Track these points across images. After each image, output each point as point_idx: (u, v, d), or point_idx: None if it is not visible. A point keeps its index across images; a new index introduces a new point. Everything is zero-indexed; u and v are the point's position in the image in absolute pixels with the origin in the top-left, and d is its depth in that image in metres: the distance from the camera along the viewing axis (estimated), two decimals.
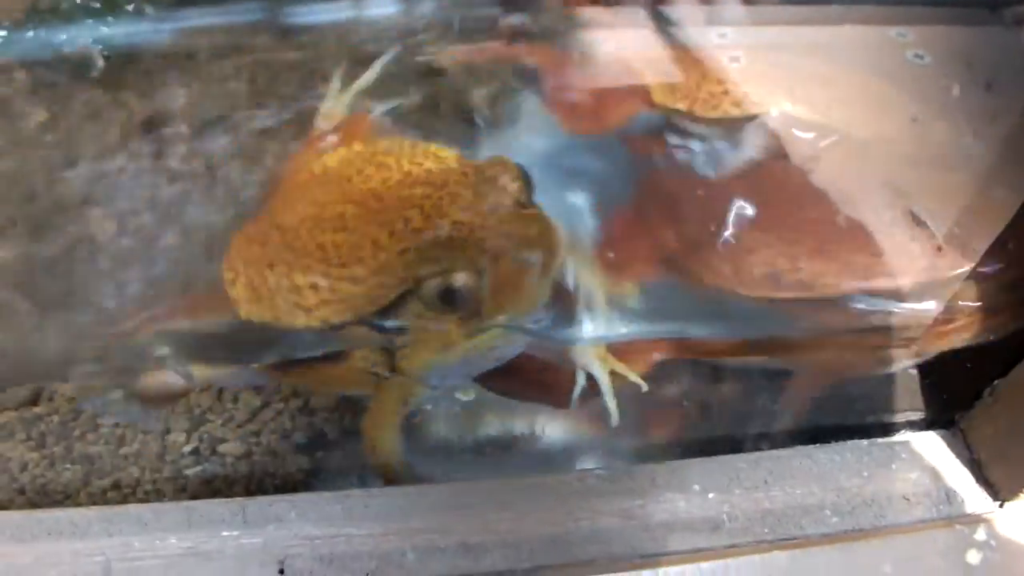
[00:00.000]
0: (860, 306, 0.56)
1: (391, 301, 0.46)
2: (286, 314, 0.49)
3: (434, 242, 0.45)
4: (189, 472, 0.69)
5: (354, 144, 0.58)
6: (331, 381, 0.58)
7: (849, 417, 0.62)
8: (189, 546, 0.53)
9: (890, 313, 0.55)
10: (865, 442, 0.57)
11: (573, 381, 0.57)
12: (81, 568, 0.53)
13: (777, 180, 0.57)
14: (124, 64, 0.77)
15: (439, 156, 0.51)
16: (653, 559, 0.50)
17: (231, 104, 0.74)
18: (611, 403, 0.57)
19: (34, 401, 0.74)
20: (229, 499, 0.56)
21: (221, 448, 0.71)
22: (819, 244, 0.54)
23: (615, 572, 0.49)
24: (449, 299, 0.45)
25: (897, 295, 0.55)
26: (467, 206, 0.46)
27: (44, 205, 0.71)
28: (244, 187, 0.71)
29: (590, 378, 0.58)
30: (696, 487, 0.54)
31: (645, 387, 0.58)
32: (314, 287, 0.48)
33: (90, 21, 0.72)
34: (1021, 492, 0.53)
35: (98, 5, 0.70)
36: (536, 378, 0.59)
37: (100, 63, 0.74)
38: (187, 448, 0.70)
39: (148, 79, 0.77)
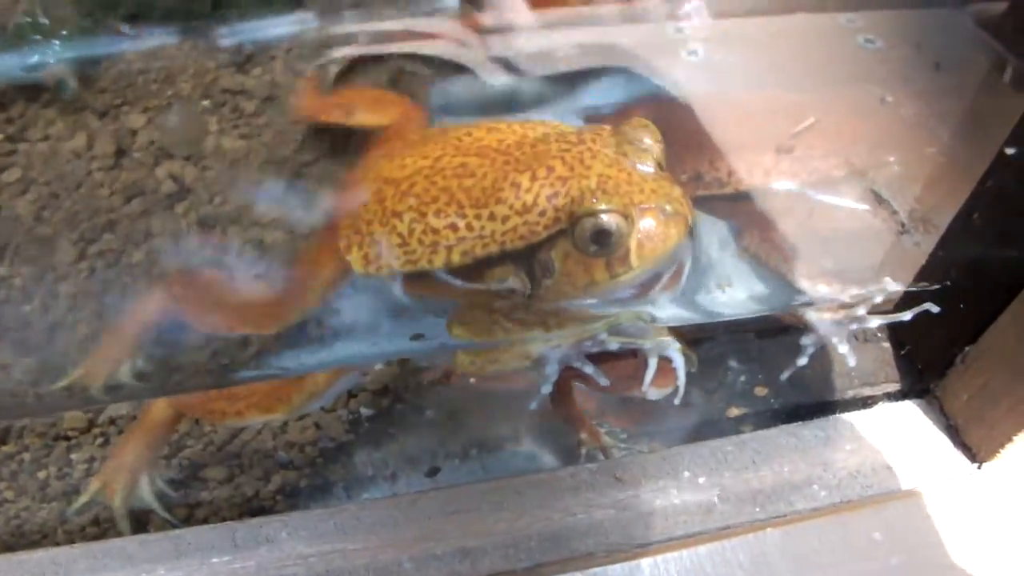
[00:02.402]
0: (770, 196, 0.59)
1: (540, 239, 0.48)
2: (424, 256, 0.50)
3: (586, 188, 0.47)
4: (171, 501, 0.68)
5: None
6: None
7: (829, 394, 0.63)
8: None
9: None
10: (846, 416, 0.58)
11: (641, 365, 0.56)
12: None
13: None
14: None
15: (548, 123, 0.53)
16: (650, 547, 0.50)
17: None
18: (683, 382, 0.56)
19: (2, 439, 0.72)
20: (217, 524, 0.55)
21: (203, 473, 0.69)
22: (732, 151, 0.59)
23: (614, 563, 0.49)
24: (602, 239, 0.47)
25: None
26: (611, 162, 0.48)
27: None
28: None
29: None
30: (687, 473, 0.54)
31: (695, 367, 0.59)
32: (452, 227, 0.49)
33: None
34: (998, 452, 0.54)
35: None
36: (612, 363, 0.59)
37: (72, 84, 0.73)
38: (167, 476, 0.69)
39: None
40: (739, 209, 0.60)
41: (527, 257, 0.49)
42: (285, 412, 0.60)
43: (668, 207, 0.47)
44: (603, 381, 0.57)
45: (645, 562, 0.49)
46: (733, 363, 0.75)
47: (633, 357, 0.57)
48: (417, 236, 0.50)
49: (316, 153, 0.76)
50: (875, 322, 0.60)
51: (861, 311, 0.60)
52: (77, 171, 0.74)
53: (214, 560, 0.53)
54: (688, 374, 0.73)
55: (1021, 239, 0.53)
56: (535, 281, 0.50)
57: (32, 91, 0.72)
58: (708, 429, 0.71)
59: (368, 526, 0.53)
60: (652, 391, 0.57)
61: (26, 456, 0.71)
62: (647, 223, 0.47)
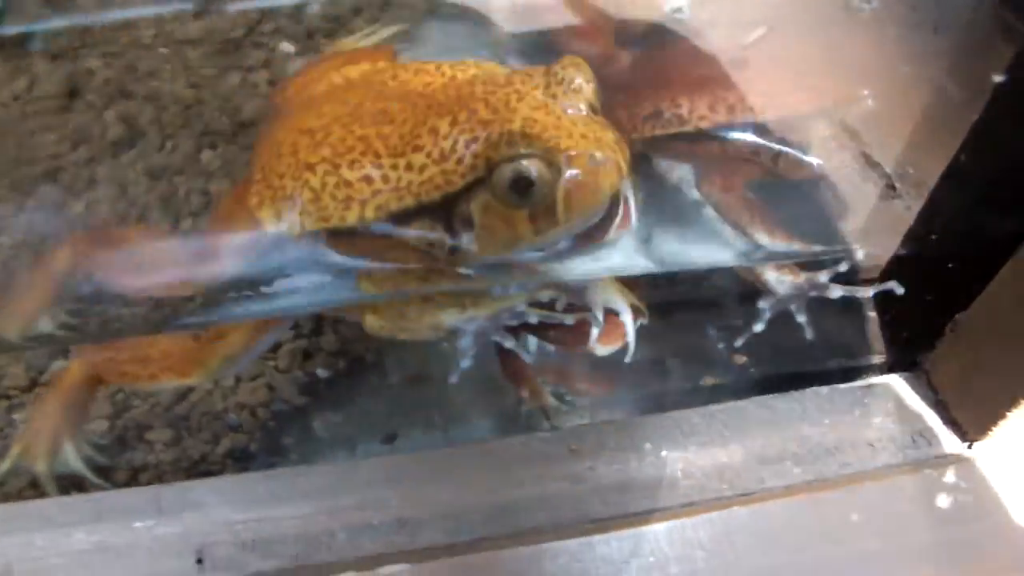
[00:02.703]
0: (734, 138, 0.55)
1: (457, 189, 0.44)
2: (337, 212, 0.46)
3: (506, 132, 0.43)
4: (112, 465, 0.64)
5: (378, 62, 0.55)
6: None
7: (807, 364, 0.59)
8: (98, 540, 0.49)
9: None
10: (825, 389, 0.54)
11: (588, 320, 0.53)
12: None
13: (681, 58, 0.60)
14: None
15: (481, 65, 0.49)
16: (603, 523, 0.46)
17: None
18: (633, 338, 0.53)
19: None
20: (143, 487, 0.52)
21: (148, 435, 0.66)
22: (695, 87, 0.56)
23: (564, 539, 0.45)
24: (523, 189, 0.43)
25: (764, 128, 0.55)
26: (538, 105, 0.44)
27: None
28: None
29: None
30: (648, 445, 0.50)
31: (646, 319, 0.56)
32: (367, 179, 0.45)
33: None
34: (989, 431, 0.50)
35: None
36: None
37: None
38: (110, 438, 0.66)
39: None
40: (700, 151, 0.55)
41: (446, 210, 0.45)
42: (201, 376, 0.57)
43: (599, 154, 0.43)
44: (527, 357, 0.54)
45: (597, 539, 0.45)
46: (711, 330, 0.71)
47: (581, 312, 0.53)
48: (330, 191, 0.46)
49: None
50: (837, 292, 0.56)
51: (823, 278, 0.56)
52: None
53: (136, 524, 0.49)
54: (661, 339, 0.70)
55: (1012, 199, 0.48)
56: (455, 236, 0.46)
57: None
58: (681, 398, 0.67)
59: (303, 492, 0.49)
60: (600, 347, 0.53)
61: None
62: (575, 172, 0.43)
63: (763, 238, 0.54)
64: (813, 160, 0.56)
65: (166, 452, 0.65)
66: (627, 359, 0.54)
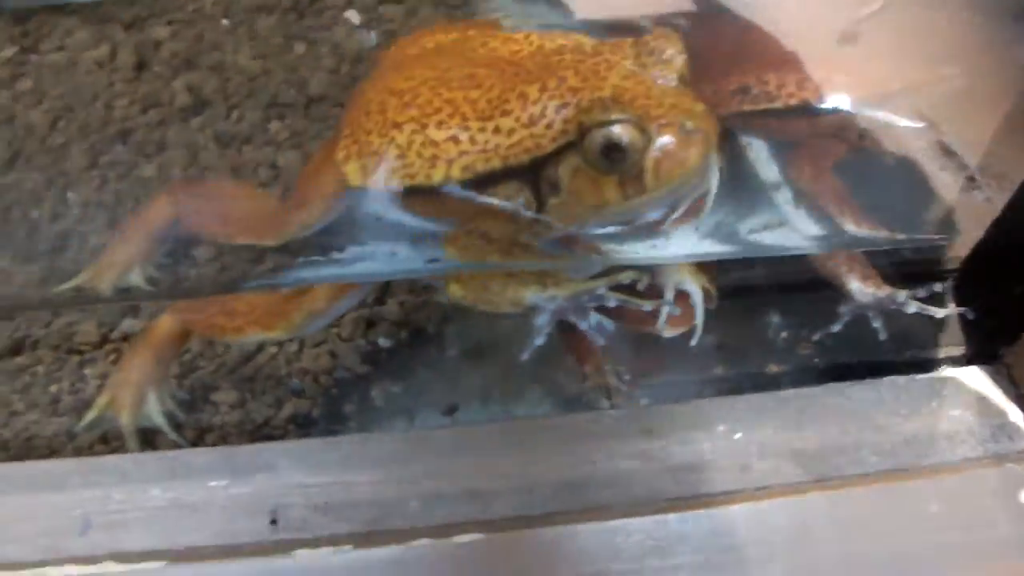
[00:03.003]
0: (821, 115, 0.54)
1: (546, 153, 0.45)
2: (423, 170, 0.47)
3: (598, 98, 0.43)
4: (181, 421, 0.65)
5: (470, 31, 0.55)
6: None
7: (877, 355, 0.58)
8: (173, 497, 0.49)
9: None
10: (902, 379, 0.53)
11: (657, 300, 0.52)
12: (58, 522, 0.49)
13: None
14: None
15: (571, 35, 0.49)
16: (677, 502, 0.46)
17: None
18: (701, 321, 0.53)
19: (16, 351, 0.69)
20: (216, 447, 0.52)
21: (214, 396, 0.66)
22: (782, 63, 0.56)
23: (637, 517, 0.45)
24: (614, 154, 0.43)
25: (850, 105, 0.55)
26: (628, 74, 0.44)
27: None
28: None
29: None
30: (721, 427, 0.50)
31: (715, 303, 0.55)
32: (454, 139, 0.46)
33: None
34: None
35: None
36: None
37: None
38: (178, 396, 0.66)
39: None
40: (786, 128, 0.54)
41: (534, 174, 0.46)
42: (285, 330, 0.57)
43: (689, 123, 0.43)
44: (599, 340, 0.53)
45: (672, 517, 0.45)
46: (775, 318, 0.70)
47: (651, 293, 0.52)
48: (416, 149, 0.47)
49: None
50: (912, 308, 0.55)
51: (902, 297, 0.56)
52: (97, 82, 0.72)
53: (211, 483, 0.50)
54: (725, 323, 0.69)
55: None
56: (541, 201, 0.46)
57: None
58: (744, 385, 0.67)
59: (375, 459, 0.50)
60: (667, 329, 0.53)
61: (39, 369, 0.69)
62: (665, 140, 0.43)
63: (850, 225, 0.53)
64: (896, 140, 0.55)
65: (231, 414, 0.66)
66: (692, 342, 0.53)
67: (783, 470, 0.48)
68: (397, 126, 0.47)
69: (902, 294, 0.56)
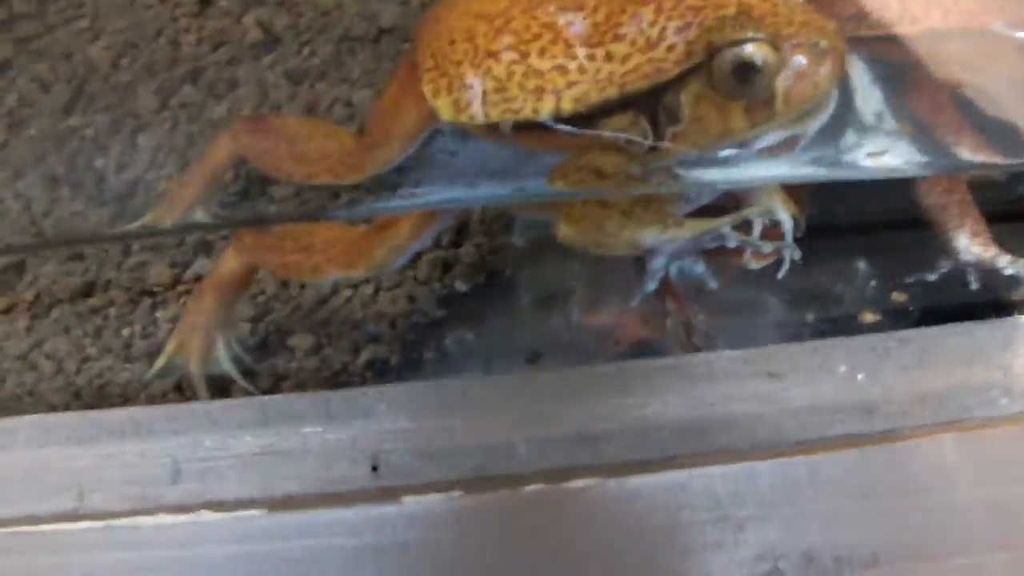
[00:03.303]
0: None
1: (669, 79, 0.41)
2: (529, 103, 0.43)
3: (725, 17, 0.40)
4: (256, 369, 0.63)
5: None
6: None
7: (1009, 292, 0.55)
8: (267, 443, 0.48)
9: None
10: None
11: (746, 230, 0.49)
12: (147, 470, 0.48)
13: None
14: None
15: None
16: (804, 445, 0.44)
17: None
18: (789, 253, 0.49)
19: (88, 292, 0.68)
20: (309, 392, 0.50)
21: (289, 341, 0.64)
22: None
23: (763, 460, 0.43)
24: (746, 76, 0.40)
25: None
26: None
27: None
28: None
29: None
30: (842, 368, 0.47)
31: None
32: (561, 69, 0.43)
33: None
34: None
35: None
36: None
37: None
38: (252, 341, 0.64)
39: None
40: (902, 55, 0.51)
41: (652, 102, 0.42)
42: (367, 268, 0.55)
43: (824, 43, 0.40)
44: (712, 283, 0.52)
45: (799, 460, 0.43)
46: (862, 264, 0.67)
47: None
48: (517, 80, 0.43)
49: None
50: (1009, 271, 0.54)
51: (1004, 262, 0.54)
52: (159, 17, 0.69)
53: (306, 430, 0.48)
54: (815, 267, 0.66)
55: None
56: (659, 130, 0.43)
57: None
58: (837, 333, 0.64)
59: (476, 404, 0.48)
60: (754, 262, 0.51)
61: (111, 312, 0.67)
62: (798, 60, 0.40)
63: (967, 153, 0.50)
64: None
65: (307, 360, 0.64)
66: (780, 275, 0.50)
67: (911, 412, 0.45)
68: (492, 55, 0.44)
69: (1005, 259, 0.54)
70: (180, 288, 0.66)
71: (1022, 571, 0.40)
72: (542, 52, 0.43)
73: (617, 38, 0.42)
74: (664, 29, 0.41)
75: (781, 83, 0.40)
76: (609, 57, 0.42)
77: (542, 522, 0.42)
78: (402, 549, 0.42)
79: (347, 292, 0.66)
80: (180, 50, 0.65)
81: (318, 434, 0.48)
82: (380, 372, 0.64)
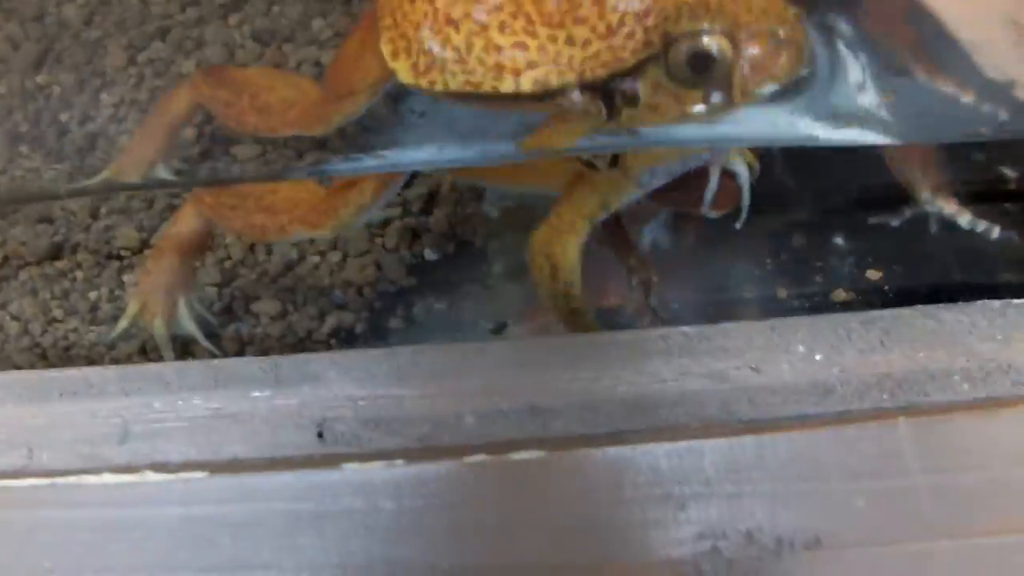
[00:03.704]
0: None
1: (626, 67, 0.40)
2: (488, 79, 0.42)
3: (684, 4, 0.39)
4: (221, 332, 0.63)
5: None
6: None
7: (978, 275, 0.54)
8: (216, 407, 0.47)
9: None
10: (997, 303, 0.49)
11: (703, 180, 0.50)
12: (97, 430, 0.47)
13: None
14: None
15: None
16: (753, 424, 0.43)
17: None
18: (746, 201, 0.51)
19: (56, 255, 0.67)
20: (261, 357, 0.50)
21: (254, 307, 0.64)
22: None
23: (710, 438, 0.42)
24: (701, 66, 0.40)
25: None
26: None
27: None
28: None
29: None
30: (801, 348, 0.46)
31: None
32: (521, 47, 0.41)
33: None
34: None
35: None
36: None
37: None
38: (218, 306, 0.64)
39: None
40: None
41: (609, 88, 0.42)
42: (333, 227, 0.54)
43: (781, 31, 0.39)
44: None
45: (748, 440, 0.42)
46: (839, 240, 0.66)
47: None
48: (477, 54, 0.42)
49: None
50: (968, 226, 0.56)
51: (963, 219, 0.56)
52: None
53: (255, 394, 0.47)
54: (786, 245, 0.65)
55: None
56: (614, 111, 0.42)
57: None
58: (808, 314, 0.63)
59: (427, 372, 0.47)
60: (711, 211, 0.52)
61: (79, 275, 0.67)
62: (754, 50, 0.39)
63: (921, 74, 0.48)
64: None
65: (272, 326, 0.63)
66: (737, 225, 0.52)
67: (867, 395, 0.45)
68: (452, 23, 0.42)
69: (966, 217, 0.55)
70: (148, 252, 0.65)
71: (968, 559, 0.40)
72: (502, 26, 0.42)
73: (578, 20, 0.40)
74: (624, 15, 0.40)
75: (738, 73, 0.40)
76: (570, 41, 0.41)
77: (483, 493, 0.42)
78: (341, 516, 0.42)
79: (314, 259, 0.65)
80: (149, 9, 0.64)
81: (267, 399, 0.47)
82: (346, 340, 0.64)
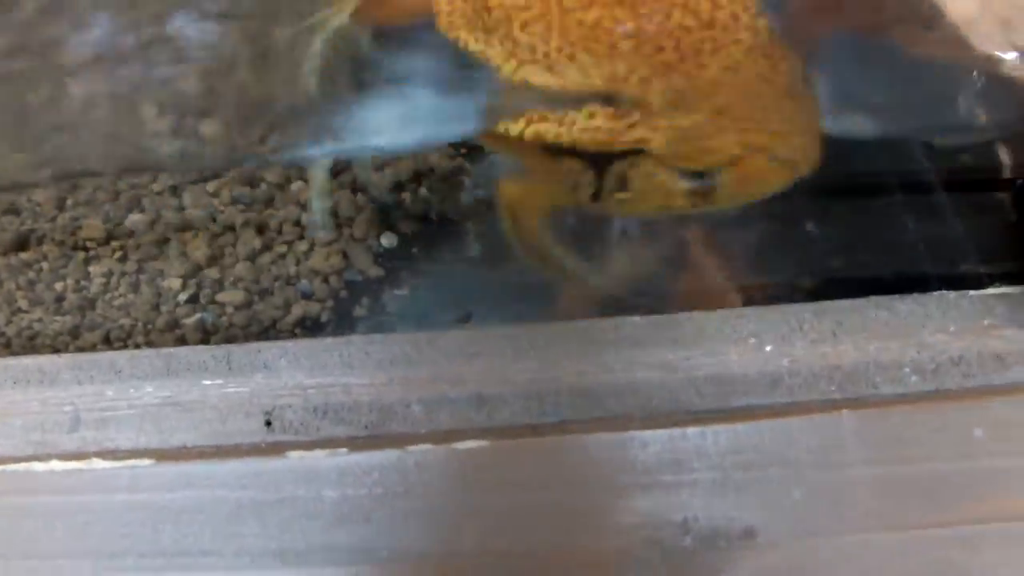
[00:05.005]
0: None
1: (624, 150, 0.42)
2: (502, 57, 0.44)
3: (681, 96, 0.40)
4: (186, 322, 0.63)
5: None
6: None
7: (935, 266, 0.54)
8: (167, 395, 0.47)
9: None
10: (953, 294, 0.49)
11: None
12: (49, 418, 0.47)
13: None
14: None
15: None
16: (698, 415, 0.43)
17: None
18: None
19: (22, 245, 0.67)
20: (213, 345, 0.50)
21: (219, 296, 0.64)
22: None
23: (654, 429, 0.42)
24: (696, 175, 0.41)
25: None
26: (733, 64, 0.39)
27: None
28: None
29: None
30: (752, 339, 0.46)
31: None
32: (531, 48, 0.42)
33: None
34: None
35: None
36: None
37: None
38: (183, 296, 0.64)
39: None
40: None
41: (602, 162, 0.43)
42: None
43: (783, 153, 0.41)
44: None
45: (692, 431, 0.42)
46: (811, 226, 0.65)
47: None
48: (500, 36, 0.43)
49: None
50: None
51: None
52: None
53: (206, 382, 0.47)
54: (755, 236, 0.65)
55: None
56: (603, 187, 0.44)
57: None
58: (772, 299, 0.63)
59: (377, 362, 0.47)
60: None
61: (44, 265, 0.66)
62: (750, 165, 0.41)
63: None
64: None
65: (237, 315, 0.63)
66: None
67: (815, 386, 0.44)
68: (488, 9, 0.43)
69: None
70: (114, 244, 0.65)
71: (906, 553, 0.39)
72: (524, 25, 0.43)
73: (589, 52, 0.42)
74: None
75: (727, 178, 0.41)
76: (581, 70, 0.42)
77: (425, 482, 0.42)
78: (284, 504, 0.42)
79: (280, 248, 0.65)
80: None
81: (218, 387, 0.47)
82: (311, 329, 0.64)
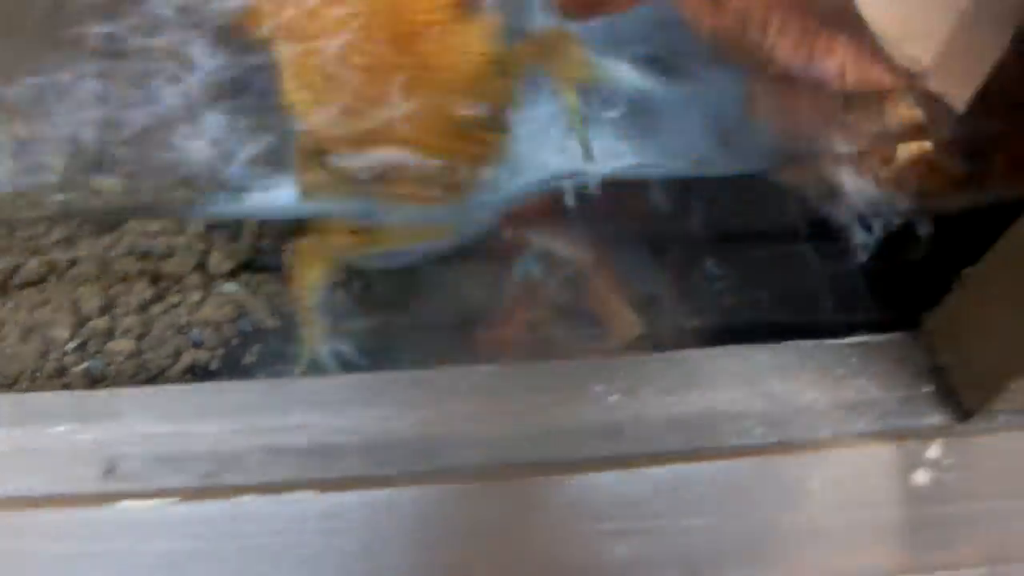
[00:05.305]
0: None
1: None
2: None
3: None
4: (74, 371, 0.63)
5: None
6: None
7: (797, 315, 0.53)
8: (15, 443, 0.47)
9: None
10: (809, 343, 0.48)
11: None
12: None
13: None
14: None
15: None
16: (538, 468, 0.42)
17: None
18: None
19: None
20: (67, 392, 0.49)
21: (108, 345, 0.64)
22: None
23: (486, 481, 0.42)
24: None
25: None
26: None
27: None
28: None
29: None
30: (597, 388, 0.46)
31: None
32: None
33: None
34: (987, 405, 0.44)
35: None
36: None
37: None
38: (71, 345, 0.64)
39: None
40: None
41: None
42: None
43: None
44: None
45: (515, 485, 0.41)
46: (712, 267, 0.65)
47: None
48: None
49: None
50: None
51: None
52: None
53: (57, 429, 0.47)
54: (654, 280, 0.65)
55: None
56: None
57: None
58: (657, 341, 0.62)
59: (228, 409, 0.46)
60: None
61: None
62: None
63: None
64: None
65: (125, 364, 0.63)
66: None
67: (657, 438, 0.44)
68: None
69: None
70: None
71: None
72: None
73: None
74: None
75: None
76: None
77: (253, 532, 0.41)
78: (106, 555, 0.41)
79: (174, 299, 0.65)
80: None
81: (66, 434, 0.47)
82: (201, 376, 0.63)
